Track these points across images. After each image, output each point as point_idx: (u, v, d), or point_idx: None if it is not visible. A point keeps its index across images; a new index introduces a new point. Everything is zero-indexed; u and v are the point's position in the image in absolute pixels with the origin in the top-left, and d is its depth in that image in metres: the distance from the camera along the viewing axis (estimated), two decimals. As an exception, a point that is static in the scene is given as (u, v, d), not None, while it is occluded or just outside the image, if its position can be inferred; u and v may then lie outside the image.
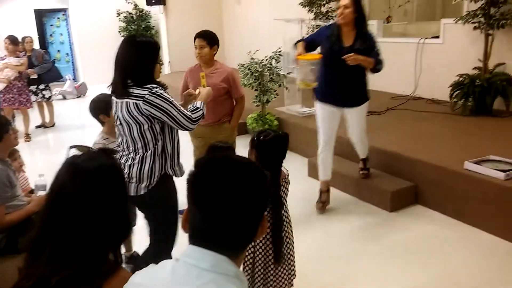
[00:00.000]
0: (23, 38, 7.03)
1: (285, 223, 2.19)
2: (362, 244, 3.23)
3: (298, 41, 3.50)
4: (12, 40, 6.47)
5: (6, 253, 2.48)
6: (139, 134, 2.32)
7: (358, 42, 3.28)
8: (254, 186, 0.94)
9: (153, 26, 11.24)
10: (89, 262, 1.14)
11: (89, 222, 1.16)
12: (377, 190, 3.77)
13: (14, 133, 2.68)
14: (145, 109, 2.24)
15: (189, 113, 2.39)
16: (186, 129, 2.42)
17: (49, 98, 7.18)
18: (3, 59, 6.42)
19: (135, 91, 2.27)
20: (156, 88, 2.28)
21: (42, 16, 12.50)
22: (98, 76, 11.18)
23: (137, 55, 2.33)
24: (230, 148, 2.51)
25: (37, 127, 7.20)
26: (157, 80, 2.37)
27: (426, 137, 4.33)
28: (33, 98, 6.93)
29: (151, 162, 2.34)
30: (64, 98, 9.82)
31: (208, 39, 3.39)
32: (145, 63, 2.33)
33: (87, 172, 1.20)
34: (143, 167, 2.34)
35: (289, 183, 2.24)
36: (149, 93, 2.24)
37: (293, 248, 2.29)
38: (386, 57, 3.23)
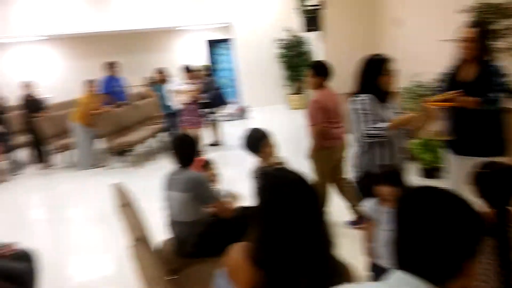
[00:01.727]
0: (198, 67, 8.05)
1: None
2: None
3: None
4: (186, 68, 7.51)
5: (196, 256, 2.78)
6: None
7: (480, 78, 2.88)
8: (464, 220, 0.96)
9: (310, 52, 11.70)
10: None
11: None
12: None
13: None
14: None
15: (369, 127, 2.79)
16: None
17: (215, 120, 8.04)
18: (182, 85, 7.45)
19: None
20: (362, 96, 2.82)
21: (212, 46, 14.12)
22: (259, 99, 12.12)
23: (361, 69, 2.90)
24: (400, 172, 2.49)
25: (209, 145, 8.06)
26: (385, 89, 2.85)
27: None
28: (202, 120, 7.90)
29: (361, 155, 2.95)
30: (229, 120, 10.80)
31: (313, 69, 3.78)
32: (365, 75, 2.87)
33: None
34: (358, 158, 2.99)
35: None
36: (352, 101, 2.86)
37: None
38: None
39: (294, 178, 1.35)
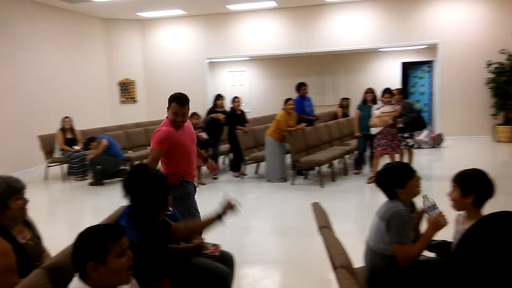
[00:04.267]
0: (396, 89, 7.63)
1: None
2: None
3: None
4: (387, 90, 7.16)
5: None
6: None
7: None
8: None
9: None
10: None
11: None
12: None
13: None
14: None
15: None
16: None
17: (412, 146, 7.50)
18: (379, 109, 7.15)
19: None
20: None
21: (407, 68, 13.49)
22: (458, 128, 10.99)
23: None
24: None
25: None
26: None
27: None
28: (397, 145, 7.50)
29: None
30: (419, 147, 10.05)
31: None
32: None
33: None
34: None
35: None
36: None
37: None
38: None
39: None
